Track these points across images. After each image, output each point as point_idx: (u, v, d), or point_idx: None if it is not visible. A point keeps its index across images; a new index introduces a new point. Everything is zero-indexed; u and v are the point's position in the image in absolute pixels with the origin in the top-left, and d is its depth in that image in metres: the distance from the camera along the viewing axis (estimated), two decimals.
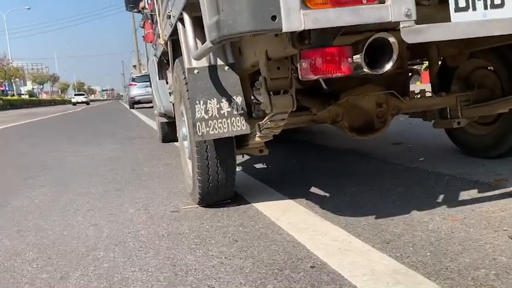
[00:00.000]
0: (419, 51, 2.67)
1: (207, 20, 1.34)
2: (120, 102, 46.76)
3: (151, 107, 17.81)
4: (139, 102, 19.69)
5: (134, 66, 45.00)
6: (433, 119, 2.78)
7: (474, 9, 1.39)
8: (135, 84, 20.12)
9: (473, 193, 2.13)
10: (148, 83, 19.26)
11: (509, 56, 2.50)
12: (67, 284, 1.45)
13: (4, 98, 44.65)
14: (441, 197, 2.13)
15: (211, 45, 1.36)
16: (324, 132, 4.92)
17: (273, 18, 1.17)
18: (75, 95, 59.07)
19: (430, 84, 2.78)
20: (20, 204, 2.64)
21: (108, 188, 2.90)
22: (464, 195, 2.12)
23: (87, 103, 50.29)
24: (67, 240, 1.90)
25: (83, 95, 58.44)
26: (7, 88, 59.39)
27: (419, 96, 2.72)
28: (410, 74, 3.01)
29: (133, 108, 19.42)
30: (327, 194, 2.34)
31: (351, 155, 3.43)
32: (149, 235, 1.89)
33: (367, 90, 2.34)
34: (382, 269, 1.38)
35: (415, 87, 3.36)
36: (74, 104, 48.42)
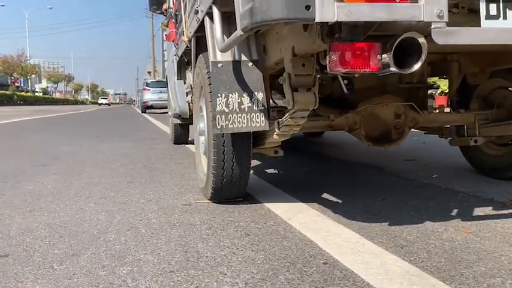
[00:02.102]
0: (441, 67, 2.68)
1: (240, 8, 1.36)
2: (132, 106, 47.36)
3: (164, 112, 17.92)
4: (151, 107, 19.83)
5: (149, 72, 45.55)
6: (450, 136, 2.77)
7: (505, 18, 1.39)
8: (148, 89, 20.28)
9: (487, 210, 2.11)
10: (162, 88, 19.25)
11: None
12: (79, 260, 1.46)
13: (18, 93, 45.31)
14: (455, 211, 2.11)
15: (242, 33, 1.38)
16: (335, 145, 4.92)
17: (307, 7, 1.18)
18: (101, 98, 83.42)
19: None
20: (33, 188, 2.65)
21: (120, 180, 2.91)
22: (478, 211, 2.10)
23: (108, 104, 68.86)
24: (79, 223, 1.91)
25: (106, 98, 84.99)
26: (22, 84, 60.27)
27: (437, 111, 2.72)
28: None
29: (145, 112, 19.55)
30: (339, 201, 2.33)
31: (363, 167, 3.41)
32: (160, 223, 1.89)
33: (386, 100, 2.34)
34: (396, 270, 1.37)
35: None
36: (100, 104, 67.27)
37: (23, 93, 48.79)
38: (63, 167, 3.47)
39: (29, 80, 61.88)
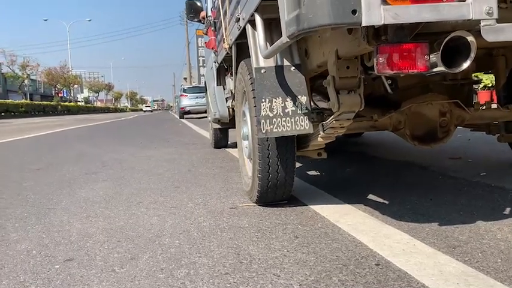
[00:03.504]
0: (486, 62, 2.60)
1: (285, 16, 1.39)
2: (170, 112, 48.43)
3: (201, 117, 18.14)
4: (189, 112, 20.23)
5: (185, 78, 46.35)
6: (498, 133, 2.69)
7: None
8: (186, 95, 20.70)
9: None
10: (198, 94, 19.69)
11: None
12: (138, 263, 1.53)
13: (62, 104, 47.29)
14: (508, 209, 2.05)
15: (288, 40, 1.41)
16: (376, 145, 4.86)
17: (354, 12, 1.20)
18: (145, 106, 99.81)
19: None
20: (86, 195, 2.78)
21: (167, 185, 3.00)
22: None
23: (151, 111, 77.68)
24: (133, 227, 1.99)
25: (149, 106, 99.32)
26: (65, 94, 62.76)
27: (484, 107, 2.65)
28: None
29: (183, 118, 19.96)
30: (386, 202, 2.31)
31: (408, 167, 3.36)
32: (211, 227, 1.94)
33: (431, 99, 2.31)
34: (450, 270, 1.36)
35: None
36: (144, 111, 75.70)
37: (66, 103, 50.92)
38: (112, 174, 3.61)
39: (72, 90, 64.27)
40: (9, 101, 35.97)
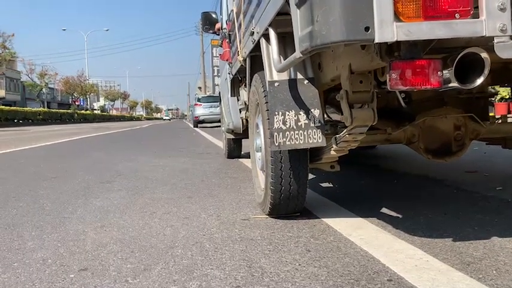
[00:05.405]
0: (502, 75, 2.58)
1: (299, 32, 1.41)
2: (184, 121, 48.84)
3: (214, 126, 18.24)
4: (203, 121, 20.39)
5: (199, 87, 46.78)
6: None
7: None
8: (200, 105, 20.89)
9: None
10: (213, 103, 19.97)
11: None
12: (150, 274, 1.54)
13: (79, 112, 48.05)
14: None
15: (301, 55, 1.42)
16: (391, 157, 4.83)
17: (366, 29, 1.21)
18: (165, 116, 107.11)
19: None
20: (101, 204, 2.82)
21: (180, 195, 3.03)
22: None
23: (169, 119, 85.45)
24: (147, 238, 2.01)
25: (168, 116, 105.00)
26: (82, 103, 63.73)
27: (500, 121, 2.62)
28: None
29: (197, 127, 20.10)
30: (399, 215, 2.30)
31: (422, 180, 3.33)
32: (223, 238, 1.95)
33: (445, 112, 2.30)
34: None
35: None
36: (164, 119, 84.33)
37: (82, 111, 51.74)
38: (126, 183, 3.65)
39: (88, 99, 65.17)
40: (28, 108, 36.72)
